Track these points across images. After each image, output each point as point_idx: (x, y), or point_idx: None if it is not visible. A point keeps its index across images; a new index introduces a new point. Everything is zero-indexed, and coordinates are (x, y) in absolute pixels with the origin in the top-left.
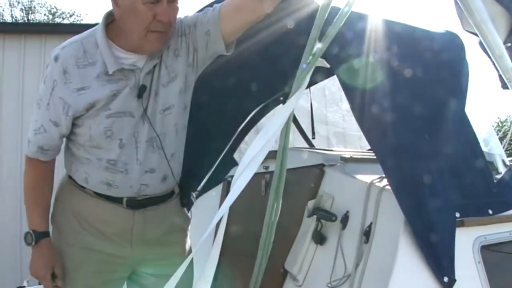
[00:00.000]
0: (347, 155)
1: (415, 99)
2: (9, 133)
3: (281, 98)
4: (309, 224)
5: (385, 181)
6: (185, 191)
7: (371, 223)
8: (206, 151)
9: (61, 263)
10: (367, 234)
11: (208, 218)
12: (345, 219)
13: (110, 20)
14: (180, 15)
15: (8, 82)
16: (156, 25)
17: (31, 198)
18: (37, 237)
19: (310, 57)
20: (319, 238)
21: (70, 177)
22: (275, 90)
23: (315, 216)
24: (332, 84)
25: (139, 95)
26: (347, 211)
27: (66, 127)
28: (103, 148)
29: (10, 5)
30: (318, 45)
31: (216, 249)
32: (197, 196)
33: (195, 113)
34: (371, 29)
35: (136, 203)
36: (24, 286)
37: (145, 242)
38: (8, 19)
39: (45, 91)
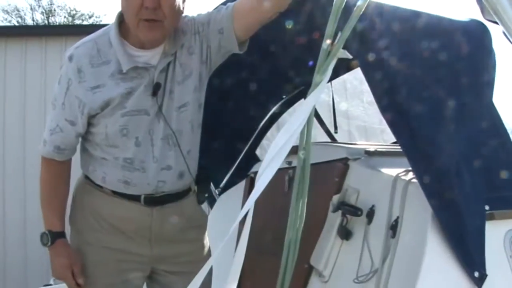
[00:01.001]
0: (371, 148)
1: (441, 89)
2: (33, 136)
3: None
4: (334, 219)
5: (411, 174)
6: (201, 189)
7: (397, 217)
8: (228, 147)
9: (79, 261)
10: (393, 228)
11: (229, 215)
12: (370, 214)
13: (122, 18)
14: (193, 14)
15: (30, 84)
16: (144, 12)
17: (47, 199)
18: (52, 237)
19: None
20: (345, 233)
21: (86, 177)
22: (297, 84)
23: (340, 211)
24: (353, 78)
25: (154, 93)
26: (373, 206)
27: (82, 126)
28: (119, 147)
29: (31, 8)
30: (338, 37)
31: (243, 246)
32: (220, 193)
33: (216, 109)
34: (394, 19)
35: (154, 200)
36: (51, 284)
37: (163, 239)
38: (29, 22)
39: (60, 91)
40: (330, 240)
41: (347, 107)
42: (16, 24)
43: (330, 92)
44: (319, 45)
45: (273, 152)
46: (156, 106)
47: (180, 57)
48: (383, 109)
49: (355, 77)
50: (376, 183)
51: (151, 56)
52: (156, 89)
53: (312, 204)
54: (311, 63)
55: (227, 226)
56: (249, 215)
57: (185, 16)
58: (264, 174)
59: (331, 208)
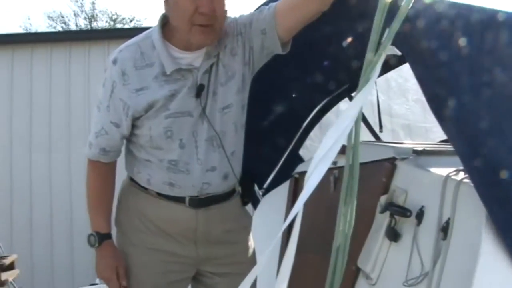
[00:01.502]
0: (419, 147)
1: (497, 83)
2: (78, 139)
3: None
4: (382, 220)
5: (462, 174)
6: (246, 190)
7: (448, 219)
8: (271, 148)
9: (124, 263)
10: (444, 230)
11: (273, 216)
12: (420, 215)
13: (165, 21)
14: (235, 15)
15: (75, 88)
16: (198, 18)
17: (94, 200)
18: (100, 239)
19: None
20: (393, 235)
21: (131, 179)
22: (340, 83)
23: (388, 212)
24: (398, 75)
25: (197, 95)
26: (422, 206)
27: (127, 128)
28: (164, 148)
29: (74, 14)
30: (386, 33)
31: (292, 249)
32: (264, 194)
33: (258, 109)
34: (445, 13)
35: (199, 202)
36: (97, 283)
37: (209, 241)
38: (73, 27)
39: (104, 94)
40: (378, 242)
41: (391, 105)
42: (61, 29)
43: (374, 91)
44: (363, 42)
45: (321, 154)
46: (199, 108)
47: (223, 59)
48: (435, 107)
49: (400, 75)
50: (426, 183)
51: (194, 58)
52: (199, 90)
53: (359, 204)
54: (326, 63)
55: (271, 227)
56: (298, 217)
57: (228, 17)
58: (313, 176)
59: (378, 208)
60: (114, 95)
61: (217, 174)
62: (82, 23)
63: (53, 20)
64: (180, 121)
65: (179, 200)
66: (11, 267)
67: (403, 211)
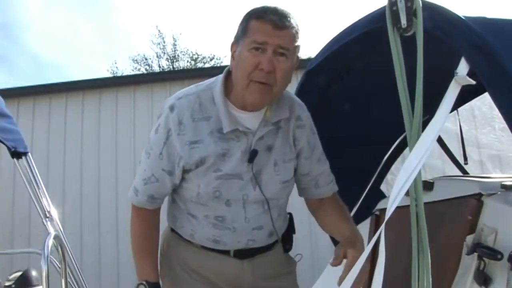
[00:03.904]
0: (508, 181)
1: None
2: None
3: None
4: (469, 263)
5: None
6: (287, 238)
7: None
8: (352, 184)
9: None
10: None
11: None
12: None
13: (227, 75)
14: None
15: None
16: (257, 74)
17: (141, 248)
18: None
19: None
20: (483, 279)
21: (173, 230)
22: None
23: (476, 254)
24: (482, 103)
25: (250, 160)
26: None
27: (178, 177)
28: (209, 206)
29: (157, 56)
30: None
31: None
32: None
33: (338, 145)
34: None
35: (244, 253)
36: None
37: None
38: (156, 69)
39: (157, 141)
40: (466, 286)
41: (477, 135)
42: (144, 71)
43: (457, 121)
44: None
45: (397, 189)
46: (250, 173)
47: (285, 131)
48: None
49: (484, 103)
50: None
51: (250, 119)
52: (252, 156)
53: (444, 244)
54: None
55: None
56: (381, 257)
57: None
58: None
59: (465, 249)
60: (168, 142)
61: (263, 232)
62: (165, 64)
63: (137, 62)
64: (230, 183)
65: (223, 252)
66: None
67: (493, 253)
